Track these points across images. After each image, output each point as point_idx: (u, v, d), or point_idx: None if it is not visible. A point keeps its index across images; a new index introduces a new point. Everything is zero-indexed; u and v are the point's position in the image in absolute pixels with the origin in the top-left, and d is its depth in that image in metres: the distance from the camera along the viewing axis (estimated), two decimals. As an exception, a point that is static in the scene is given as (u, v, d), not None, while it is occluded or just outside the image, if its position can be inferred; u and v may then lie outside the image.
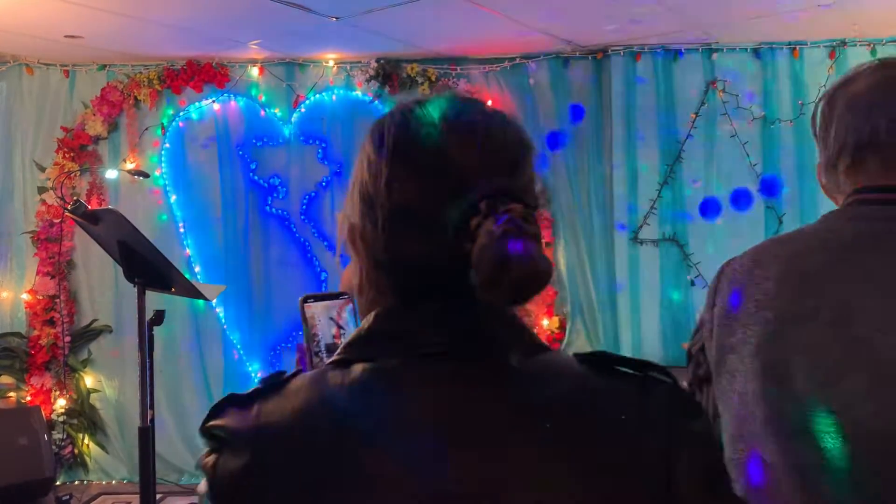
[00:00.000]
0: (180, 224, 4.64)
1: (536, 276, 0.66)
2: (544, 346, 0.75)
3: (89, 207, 2.38)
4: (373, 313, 0.75)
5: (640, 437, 0.70)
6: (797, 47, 4.43)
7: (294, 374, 0.77)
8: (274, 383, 0.76)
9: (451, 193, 0.70)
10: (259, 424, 0.72)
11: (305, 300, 1.22)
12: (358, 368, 0.72)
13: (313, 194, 4.68)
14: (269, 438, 0.71)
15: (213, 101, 4.63)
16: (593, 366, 0.74)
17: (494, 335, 0.72)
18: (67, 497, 4.20)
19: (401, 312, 0.74)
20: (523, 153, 0.76)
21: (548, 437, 0.68)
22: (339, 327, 1.24)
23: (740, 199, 4.51)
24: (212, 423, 0.75)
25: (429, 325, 0.72)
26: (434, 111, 0.76)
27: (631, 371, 0.74)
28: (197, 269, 4.64)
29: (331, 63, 4.62)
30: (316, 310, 1.23)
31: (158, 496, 4.10)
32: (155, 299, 2.64)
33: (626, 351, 4.52)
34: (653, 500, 0.69)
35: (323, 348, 1.22)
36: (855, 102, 1.13)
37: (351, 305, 1.24)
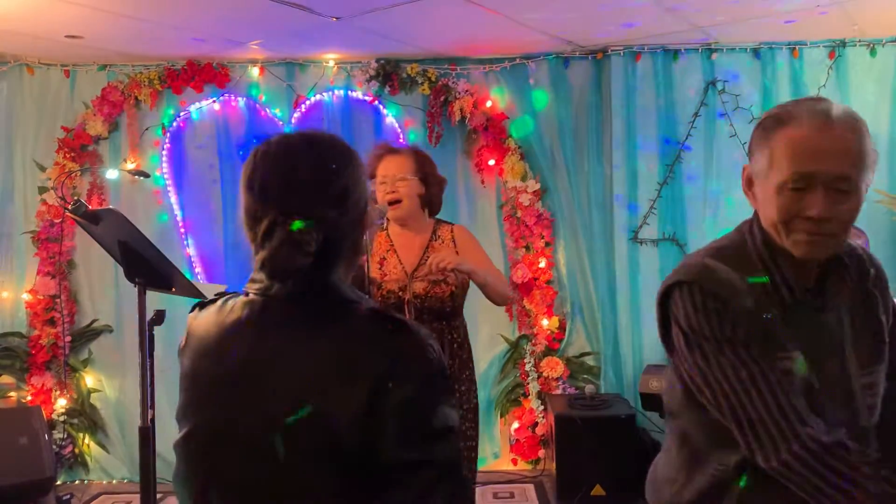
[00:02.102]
0: (180, 224, 4.65)
1: (280, 268, 1.16)
2: (347, 300, 1.18)
3: (90, 207, 2.38)
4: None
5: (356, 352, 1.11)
6: (797, 47, 4.43)
7: (223, 294, 1.30)
8: (212, 300, 1.31)
9: (262, 206, 1.19)
10: (191, 323, 1.30)
11: None
12: (237, 298, 1.25)
13: (313, 194, 4.68)
14: (191, 330, 1.28)
15: (214, 101, 4.64)
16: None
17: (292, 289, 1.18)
18: (68, 497, 4.21)
19: (255, 272, 1.23)
20: (320, 181, 1.18)
21: (309, 344, 1.14)
22: None
23: (740, 200, 4.51)
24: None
25: (264, 280, 1.21)
26: (265, 148, 1.23)
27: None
28: (197, 269, 4.65)
29: (331, 63, 4.62)
30: None
31: (158, 496, 4.08)
32: (155, 299, 2.64)
33: (627, 351, 4.53)
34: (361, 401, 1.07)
35: None
36: None
37: None
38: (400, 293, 2.71)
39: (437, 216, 2.93)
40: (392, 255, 2.78)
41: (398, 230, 2.83)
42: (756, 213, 1.42)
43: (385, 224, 2.82)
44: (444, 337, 2.72)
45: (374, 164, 2.80)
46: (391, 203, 2.74)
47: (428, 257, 2.74)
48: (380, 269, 2.77)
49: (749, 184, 1.42)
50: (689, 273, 1.32)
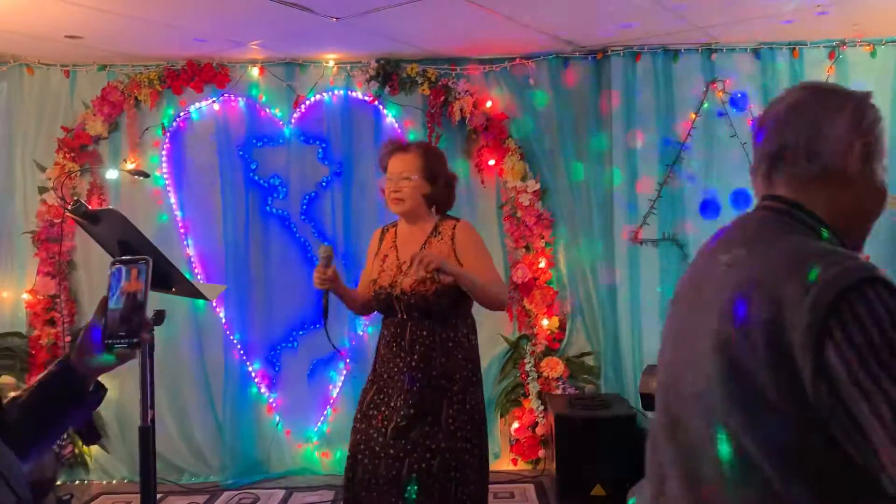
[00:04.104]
0: (180, 224, 4.65)
1: None
2: None
3: (90, 207, 2.37)
4: None
5: None
6: (797, 47, 4.43)
7: None
8: None
9: None
10: None
11: (112, 262, 1.32)
12: None
13: (313, 194, 4.68)
14: None
15: (214, 102, 4.63)
16: None
17: None
18: (68, 497, 4.20)
19: None
20: None
21: None
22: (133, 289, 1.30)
23: (740, 199, 4.52)
24: None
25: None
26: None
27: None
28: (197, 269, 4.65)
29: (331, 63, 4.62)
30: (114, 270, 1.31)
31: (159, 496, 4.09)
32: (155, 299, 2.64)
33: (627, 351, 4.53)
34: None
35: (111, 304, 1.29)
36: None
37: (146, 268, 1.31)
38: (390, 289, 2.71)
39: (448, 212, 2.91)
40: (393, 252, 2.80)
41: (405, 228, 2.84)
42: (818, 207, 1.22)
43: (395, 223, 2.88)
44: (437, 335, 2.67)
45: (384, 161, 2.85)
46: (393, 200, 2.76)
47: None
48: (381, 265, 2.78)
49: (863, 161, 1.22)
50: (869, 269, 1.04)
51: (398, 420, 2.64)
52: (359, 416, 2.75)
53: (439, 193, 2.82)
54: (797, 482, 1.05)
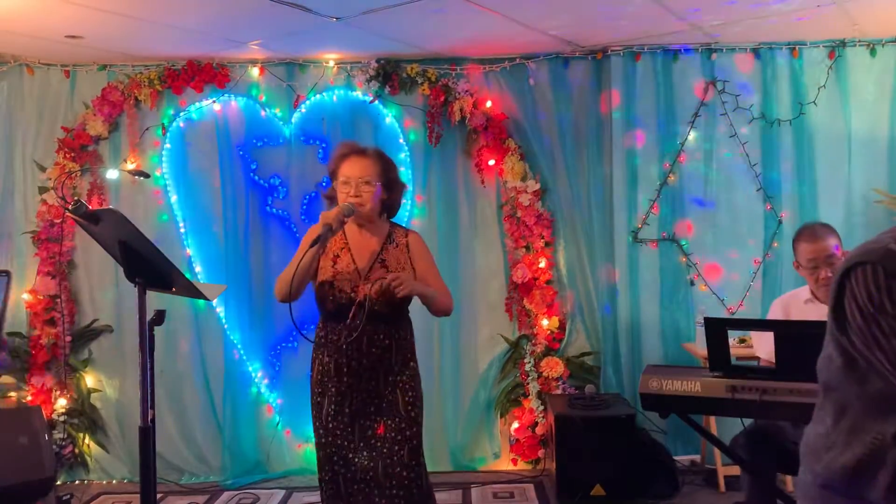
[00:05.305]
0: (180, 224, 4.65)
1: None
2: None
3: (90, 207, 2.38)
4: None
5: None
6: (797, 47, 4.43)
7: None
8: None
9: None
10: None
11: None
12: None
13: (313, 194, 4.68)
14: None
15: (214, 102, 4.63)
16: None
17: None
18: (68, 497, 4.21)
19: None
20: None
21: None
22: None
23: (740, 200, 4.52)
24: None
25: None
26: None
27: None
28: (197, 269, 4.64)
29: (331, 63, 4.62)
30: None
31: (158, 496, 4.10)
32: (155, 299, 2.64)
33: (627, 351, 4.53)
34: None
35: None
36: None
37: (3, 283, 1.27)
38: (352, 294, 2.71)
39: (394, 219, 2.93)
40: (346, 254, 2.78)
41: (354, 229, 2.81)
42: None
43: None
44: (393, 336, 2.75)
45: (337, 163, 2.79)
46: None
47: (382, 259, 2.76)
48: (333, 266, 2.75)
49: None
50: (872, 255, 1.37)
51: (362, 421, 2.71)
52: (321, 431, 2.74)
53: (394, 200, 2.86)
54: (839, 392, 1.47)
